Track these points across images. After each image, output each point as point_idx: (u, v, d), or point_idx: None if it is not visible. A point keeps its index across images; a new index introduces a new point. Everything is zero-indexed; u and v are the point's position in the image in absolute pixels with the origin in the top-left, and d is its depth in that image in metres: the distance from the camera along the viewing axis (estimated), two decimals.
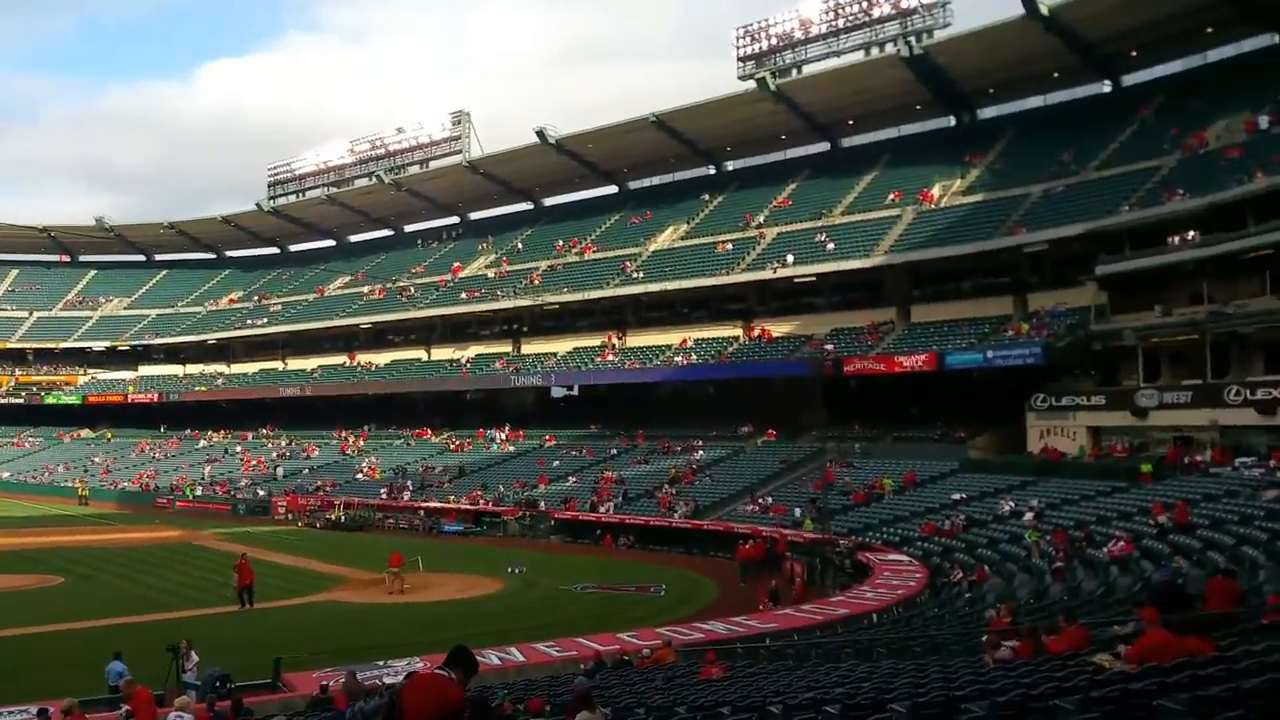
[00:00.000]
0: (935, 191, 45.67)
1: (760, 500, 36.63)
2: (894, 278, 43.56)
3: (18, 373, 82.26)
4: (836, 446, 37.67)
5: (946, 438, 37.87)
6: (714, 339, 48.98)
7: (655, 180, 64.21)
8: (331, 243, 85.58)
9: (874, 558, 26.85)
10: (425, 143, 70.74)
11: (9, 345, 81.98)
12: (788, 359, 43.13)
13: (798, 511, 33.79)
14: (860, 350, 41.26)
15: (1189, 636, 7.35)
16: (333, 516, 46.06)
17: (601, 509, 39.92)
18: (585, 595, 27.54)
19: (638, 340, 52.86)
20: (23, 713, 15.11)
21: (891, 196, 47.23)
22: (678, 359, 48.21)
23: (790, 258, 46.35)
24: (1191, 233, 30.90)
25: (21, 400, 79.85)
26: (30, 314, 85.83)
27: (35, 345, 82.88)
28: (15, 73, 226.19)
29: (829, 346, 42.13)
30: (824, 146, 56.21)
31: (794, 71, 51.14)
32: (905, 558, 26.91)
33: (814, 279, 45.71)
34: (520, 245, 66.61)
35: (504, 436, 55.60)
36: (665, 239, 56.65)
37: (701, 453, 44.54)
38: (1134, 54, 42.53)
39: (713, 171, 61.55)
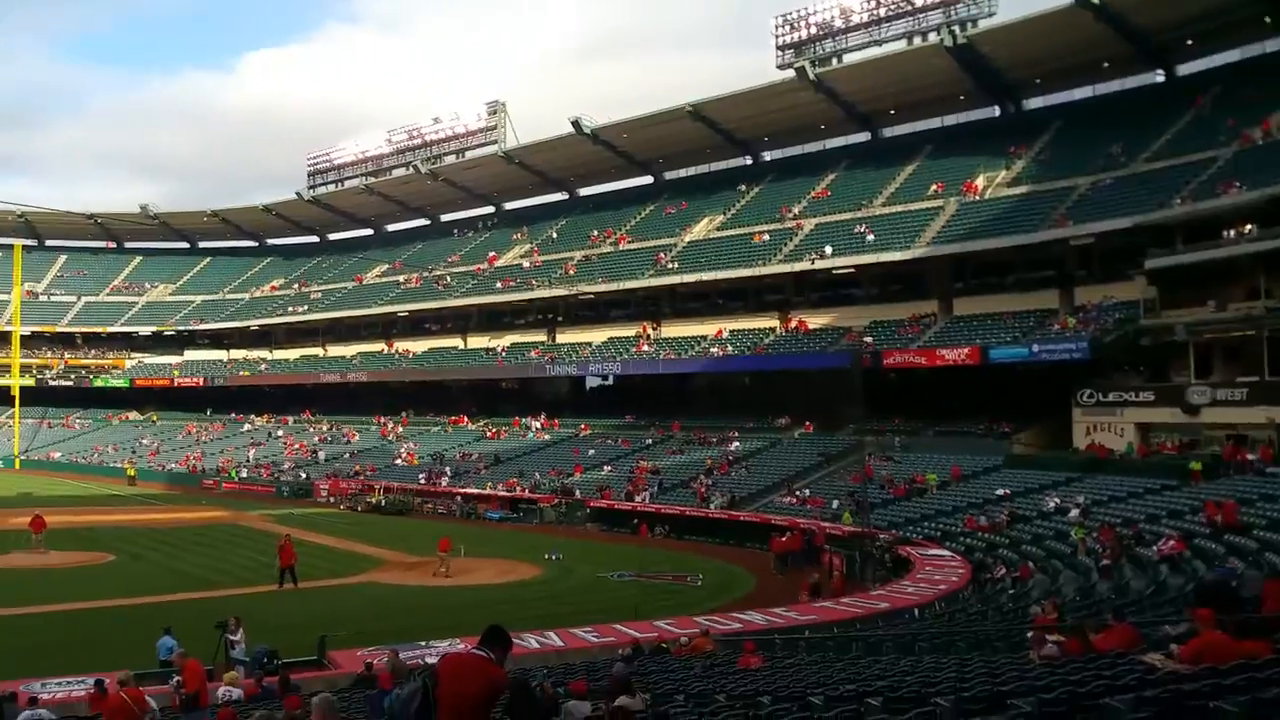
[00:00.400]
0: (979, 183, 45.11)
1: (798, 493, 36.55)
2: (936, 270, 43.14)
3: (67, 356, 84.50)
4: (876, 440, 37.43)
5: (990, 433, 37.50)
6: (750, 330, 48.86)
7: (691, 170, 64.05)
8: (370, 232, 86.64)
9: (915, 552, 26.70)
10: (461, 133, 71.19)
11: (58, 329, 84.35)
12: (826, 351, 42.91)
13: (836, 504, 33.70)
14: (901, 343, 40.96)
15: (1247, 639, 7.25)
16: (373, 500, 46.82)
17: (637, 498, 40.08)
18: (622, 583, 27.72)
19: (673, 331, 52.88)
20: (80, 684, 15.63)
21: (934, 187, 46.73)
22: (714, 350, 48.19)
23: (829, 249, 46.07)
24: (1249, 226, 30.23)
25: (71, 383, 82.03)
26: (78, 299, 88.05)
27: (84, 329, 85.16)
28: (61, 64, 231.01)
29: (868, 339, 41.86)
30: (864, 136, 55.70)
31: (834, 60, 50.66)
32: (947, 553, 26.73)
33: (853, 270, 45.41)
34: (555, 235, 66.89)
35: (539, 425, 56.00)
36: (701, 229, 56.56)
37: (737, 444, 44.53)
38: (1189, 43, 41.58)
39: (749, 162, 61.27)
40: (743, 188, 58.58)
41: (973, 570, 24.14)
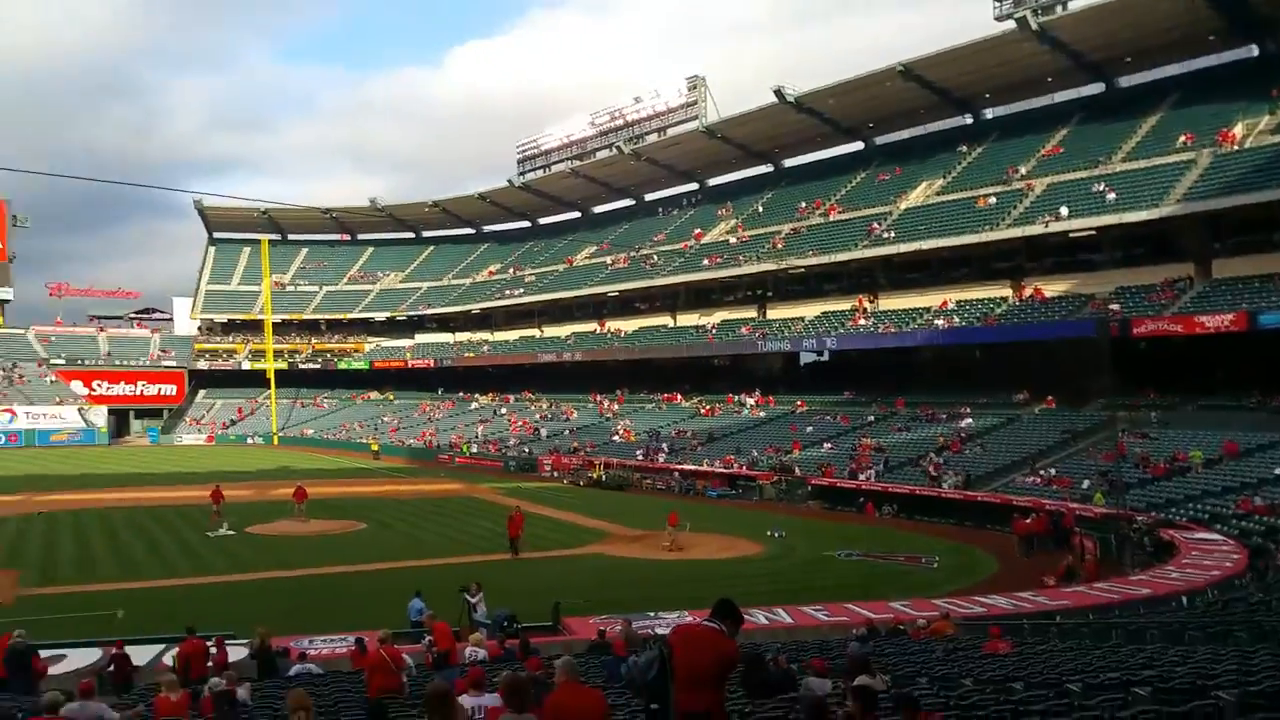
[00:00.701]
0: (1237, 131, 40.43)
1: (1041, 472, 34.48)
2: (1189, 229, 39.09)
3: (314, 341, 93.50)
4: (1129, 415, 34.57)
5: (1263, 406, 33.73)
6: (979, 300, 46.41)
7: (904, 134, 61.45)
8: (577, 214, 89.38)
9: (1179, 536, 24.54)
10: (662, 110, 71.73)
11: (304, 316, 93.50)
12: (1066, 320, 40.04)
13: (1086, 484, 31.50)
14: (1152, 310, 37.50)
15: None
16: (594, 475, 48.65)
17: (861, 476, 39.23)
18: (849, 562, 27.26)
19: (891, 303, 51.13)
20: (342, 641, 17.17)
21: (1182, 139, 42.32)
22: (938, 322, 46.18)
23: (1064, 210, 42.85)
24: None
25: (319, 365, 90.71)
26: (320, 288, 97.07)
27: (327, 316, 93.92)
28: (295, 68, 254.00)
29: (1114, 306, 38.66)
30: (1097, 88, 51.21)
31: (1058, 8, 46.62)
32: (1217, 536, 24.39)
33: (1093, 233, 41.96)
34: (761, 209, 66.28)
35: (754, 401, 55.94)
36: (917, 195, 54.23)
37: (969, 420, 42.53)
38: None
39: (969, 121, 57.97)
40: (963, 149, 55.62)
41: (1250, 556, 21.88)
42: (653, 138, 72.65)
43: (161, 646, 16.39)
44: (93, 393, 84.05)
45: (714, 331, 60.06)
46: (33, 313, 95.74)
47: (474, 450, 61.84)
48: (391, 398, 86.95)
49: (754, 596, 20.08)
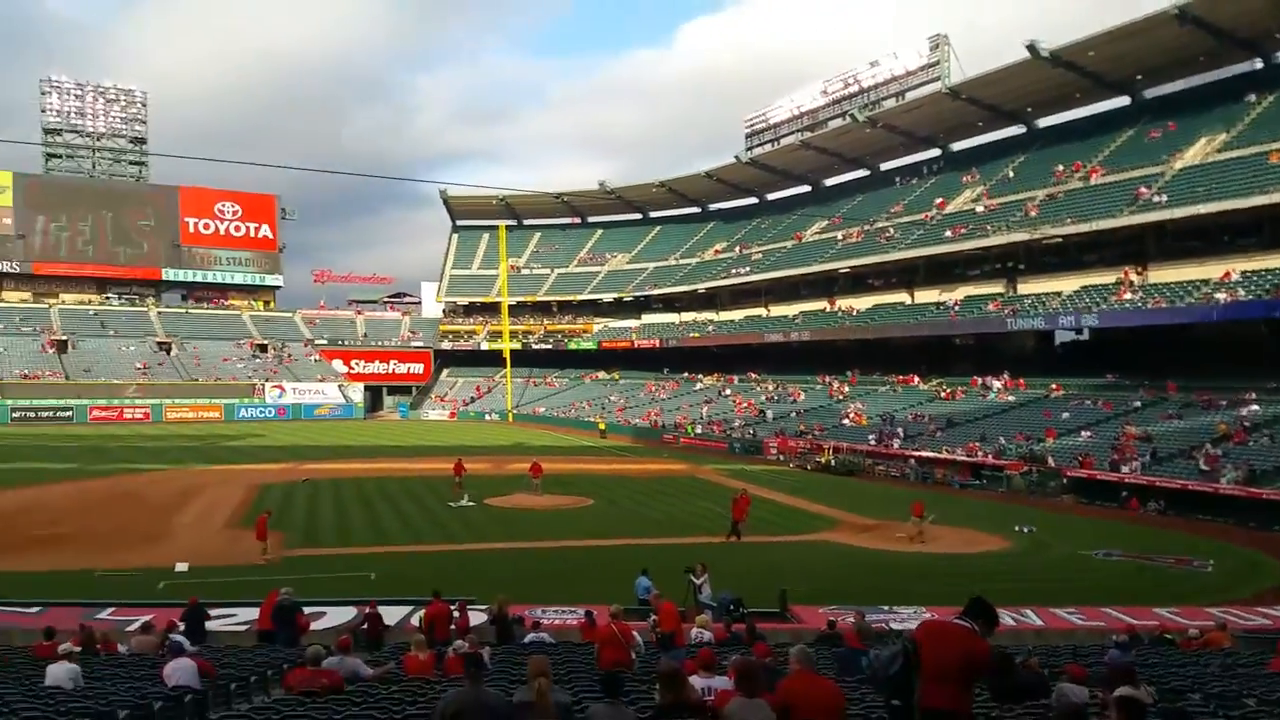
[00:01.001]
0: None
1: None
2: None
3: (545, 322, 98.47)
4: None
5: None
6: (1271, 270, 41.27)
7: (1178, 85, 55.53)
8: (807, 188, 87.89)
9: None
10: (900, 74, 69.34)
11: (537, 298, 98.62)
12: None
13: None
14: None
15: None
16: (823, 460, 47.77)
17: (1124, 468, 36.04)
18: (1108, 562, 25.14)
19: (1163, 275, 46.48)
20: (572, 613, 17.85)
21: None
22: (1219, 295, 41.47)
23: None
24: None
25: (550, 346, 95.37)
26: (552, 271, 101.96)
27: (557, 298, 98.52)
28: (529, 60, 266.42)
29: None
30: None
31: None
32: None
33: None
34: (1011, 174, 62.29)
35: (1001, 385, 52.81)
36: (1195, 153, 48.86)
37: (1256, 407, 38.04)
38: None
39: (1259, 66, 51.39)
40: (1251, 98, 49.47)
41: None
42: (890, 103, 70.22)
43: (409, 608, 17.72)
44: (351, 371, 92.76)
45: (956, 309, 57.19)
46: (299, 298, 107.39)
47: (698, 431, 62.53)
48: (618, 377, 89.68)
49: (998, 595, 18.56)
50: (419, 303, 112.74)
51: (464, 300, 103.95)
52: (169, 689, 9.87)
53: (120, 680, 10.72)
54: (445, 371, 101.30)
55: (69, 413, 73.21)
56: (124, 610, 17.75)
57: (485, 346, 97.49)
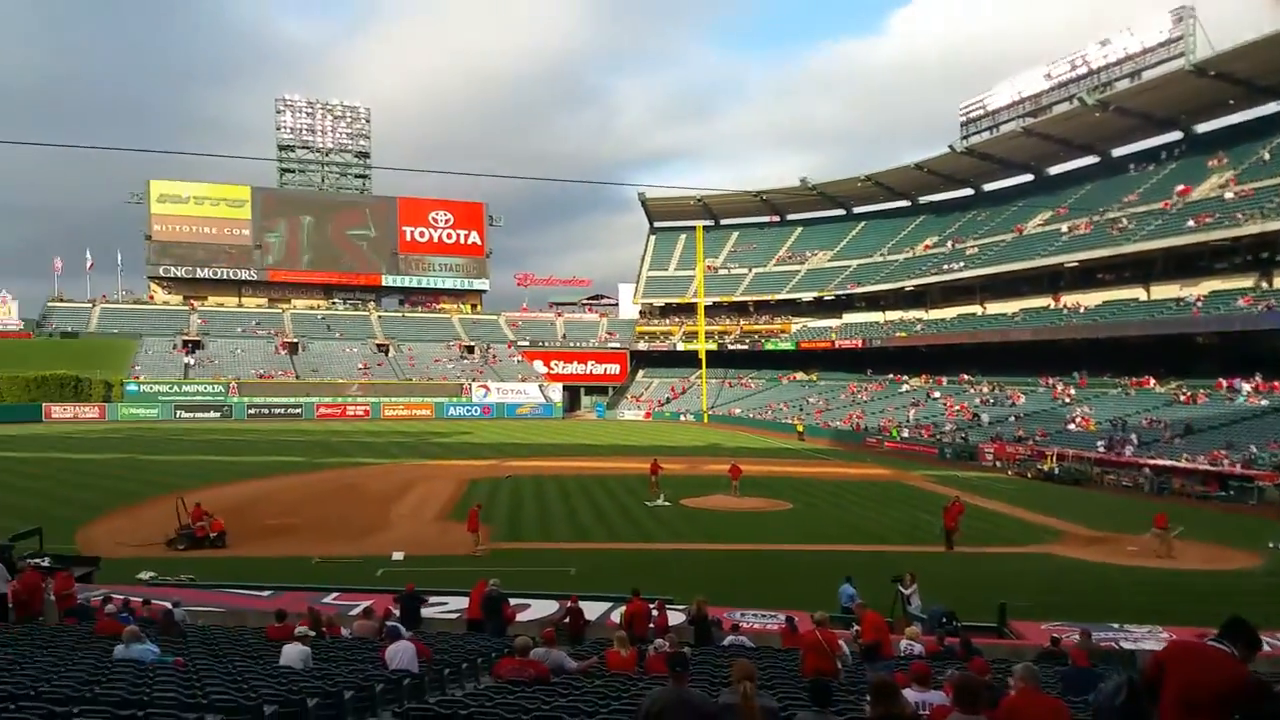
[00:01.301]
0: None
1: None
2: None
3: (742, 322, 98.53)
4: None
5: None
6: None
7: None
8: (1028, 177, 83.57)
9: None
10: (1136, 52, 64.79)
11: (734, 298, 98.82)
12: None
13: None
14: None
15: None
16: (1045, 467, 45.10)
17: None
18: None
19: None
20: (772, 618, 17.68)
21: None
22: None
23: None
24: None
25: (746, 346, 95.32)
26: (749, 270, 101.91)
27: (754, 298, 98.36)
28: (730, 56, 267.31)
29: None
30: None
31: None
32: None
33: None
34: (1268, 156, 56.61)
35: (1251, 388, 48.01)
36: None
37: None
38: None
39: None
40: None
41: None
42: (1124, 84, 65.74)
43: (609, 604, 18.10)
44: (550, 371, 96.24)
45: (1200, 305, 52.50)
46: (503, 301, 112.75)
47: (904, 435, 60.61)
48: (816, 378, 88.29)
49: (1248, 617, 17.11)
50: (616, 304, 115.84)
51: (660, 301, 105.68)
52: (389, 671, 10.52)
53: (344, 662, 11.53)
54: (641, 372, 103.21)
55: (298, 410, 79.90)
56: (346, 595, 19.14)
57: (681, 347, 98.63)
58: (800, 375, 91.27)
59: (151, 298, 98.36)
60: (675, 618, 16.53)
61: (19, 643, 11.92)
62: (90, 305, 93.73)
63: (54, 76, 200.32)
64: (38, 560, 18.78)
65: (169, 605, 15.27)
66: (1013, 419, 57.22)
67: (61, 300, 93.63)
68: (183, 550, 24.70)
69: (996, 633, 17.35)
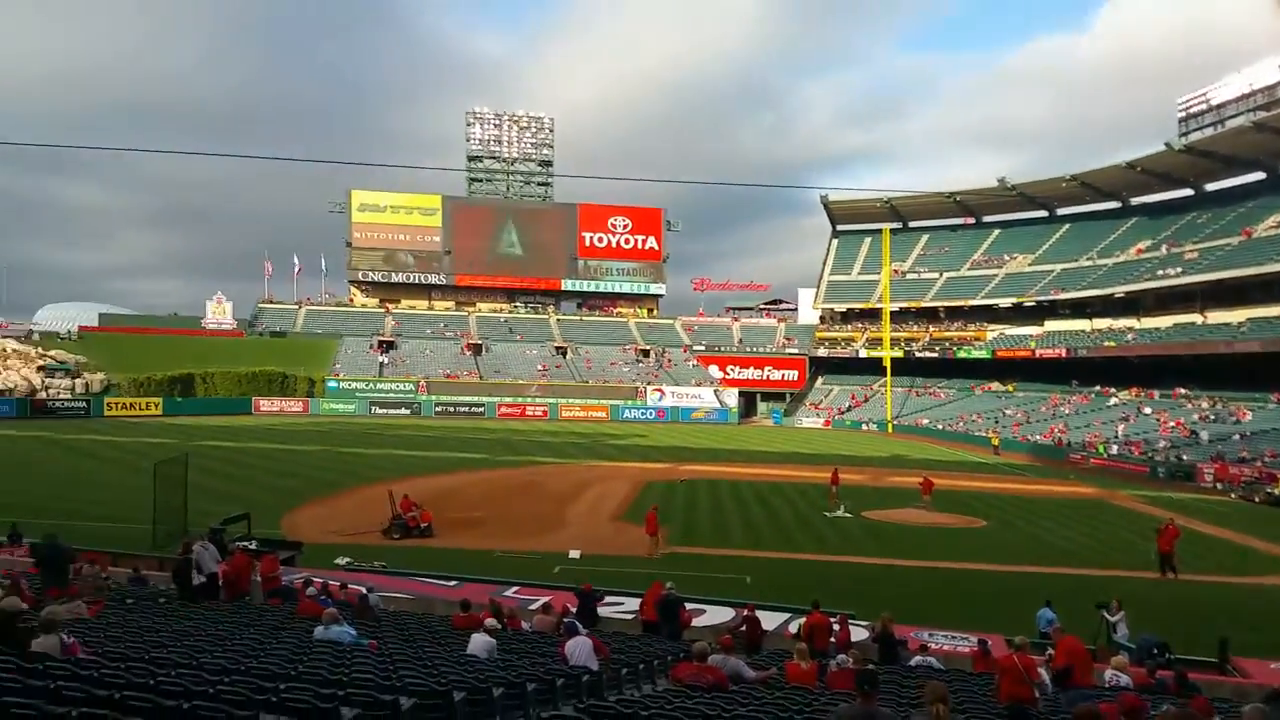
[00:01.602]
0: None
1: None
2: None
3: (931, 329, 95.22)
4: None
5: None
6: None
7: None
8: (1259, 176, 76.80)
9: None
10: None
11: (922, 304, 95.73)
12: None
13: None
14: None
15: None
16: (1275, 491, 41.50)
17: None
18: None
19: None
20: (964, 640, 16.98)
21: None
22: None
23: None
24: None
25: (935, 354, 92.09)
26: (940, 275, 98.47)
27: (945, 303, 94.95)
28: (921, 55, 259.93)
29: None
30: None
31: None
32: None
33: None
34: None
35: None
36: None
37: None
38: None
39: None
40: None
41: None
42: None
43: (786, 615, 17.85)
44: (726, 376, 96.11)
45: None
46: (679, 305, 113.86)
47: (1112, 452, 56.91)
48: (1014, 389, 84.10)
49: None
50: (795, 309, 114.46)
51: (842, 306, 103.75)
52: (568, 666, 10.74)
53: (525, 655, 11.86)
54: (820, 379, 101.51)
55: (481, 409, 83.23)
56: (525, 590, 19.74)
57: (864, 354, 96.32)
58: (995, 385, 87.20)
59: (351, 300, 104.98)
60: (858, 633, 16.12)
61: (229, 620, 12.90)
62: (296, 307, 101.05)
63: (266, 96, 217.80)
64: (246, 543, 20.35)
65: (364, 590, 16.20)
66: (1237, 437, 52.74)
67: (271, 302, 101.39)
68: (398, 539, 26.43)
69: (1217, 669, 16.28)
